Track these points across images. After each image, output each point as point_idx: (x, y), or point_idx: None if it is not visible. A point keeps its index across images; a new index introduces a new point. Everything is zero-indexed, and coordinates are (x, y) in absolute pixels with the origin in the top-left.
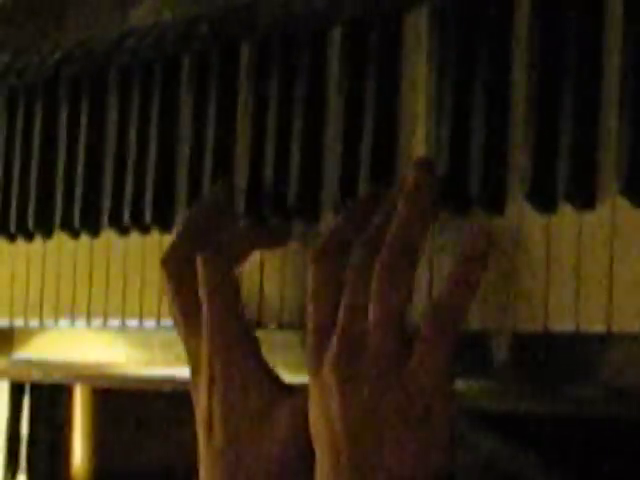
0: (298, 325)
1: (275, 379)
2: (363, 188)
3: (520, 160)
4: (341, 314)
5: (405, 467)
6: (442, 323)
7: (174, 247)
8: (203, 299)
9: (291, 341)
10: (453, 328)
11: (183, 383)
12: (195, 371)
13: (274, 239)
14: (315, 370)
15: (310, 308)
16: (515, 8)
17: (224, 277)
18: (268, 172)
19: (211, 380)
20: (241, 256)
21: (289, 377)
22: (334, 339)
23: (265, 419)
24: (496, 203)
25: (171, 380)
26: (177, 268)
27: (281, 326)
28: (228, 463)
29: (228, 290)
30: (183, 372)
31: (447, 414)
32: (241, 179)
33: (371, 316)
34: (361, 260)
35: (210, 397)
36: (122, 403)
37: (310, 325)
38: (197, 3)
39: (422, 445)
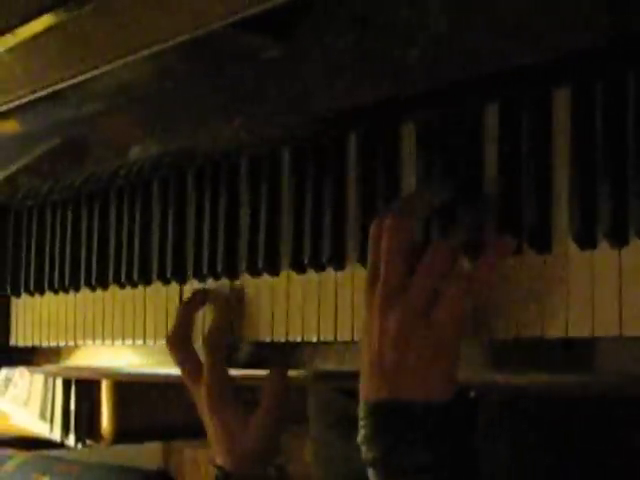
0: None
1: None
2: None
3: None
4: (392, 272)
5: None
6: (460, 290)
7: (174, 331)
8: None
9: None
10: (471, 294)
11: None
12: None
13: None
14: (369, 304)
15: (383, 268)
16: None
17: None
18: None
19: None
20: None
21: None
22: (381, 284)
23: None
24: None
25: None
26: (178, 346)
27: None
28: None
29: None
30: None
31: (453, 351)
32: None
33: (416, 278)
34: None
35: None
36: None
37: (382, 280)
38: None
39: (434, 362)
